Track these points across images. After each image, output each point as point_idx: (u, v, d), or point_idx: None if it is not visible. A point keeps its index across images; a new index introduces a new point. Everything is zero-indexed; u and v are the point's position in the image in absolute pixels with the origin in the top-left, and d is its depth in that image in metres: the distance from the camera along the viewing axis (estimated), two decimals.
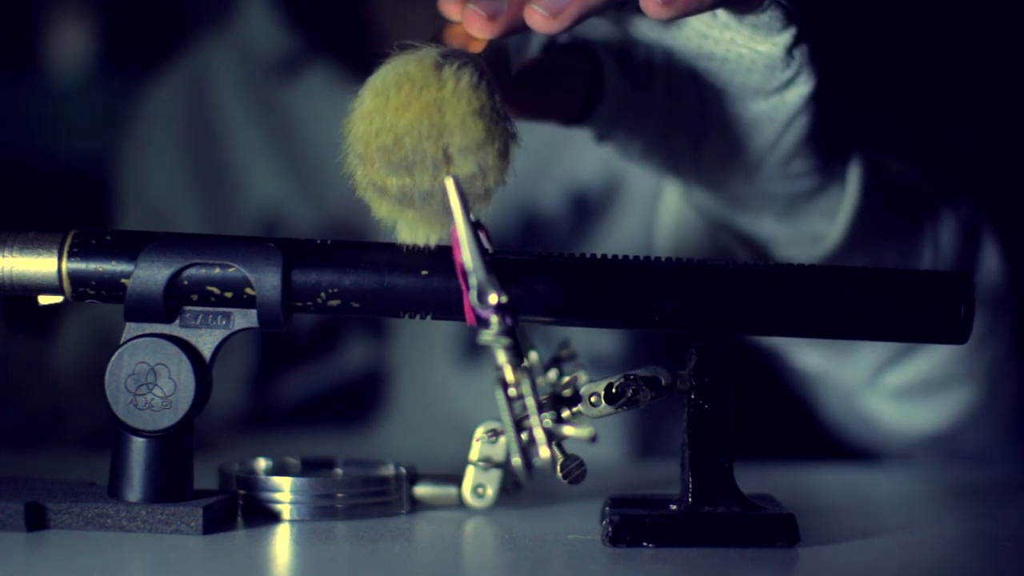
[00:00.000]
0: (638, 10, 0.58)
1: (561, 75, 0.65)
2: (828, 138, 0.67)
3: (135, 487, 0.58)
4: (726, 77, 0.63)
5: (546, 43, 0.66)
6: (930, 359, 0.78)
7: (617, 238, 0.95)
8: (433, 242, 0.57)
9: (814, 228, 0.70)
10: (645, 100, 0.66)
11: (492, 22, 0.58)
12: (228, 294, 0.58)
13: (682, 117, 0.66)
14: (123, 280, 0.58)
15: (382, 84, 0.54)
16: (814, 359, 0.80)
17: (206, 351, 0.58)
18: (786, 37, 0.61)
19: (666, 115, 0.66)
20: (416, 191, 0.54)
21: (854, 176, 0.69)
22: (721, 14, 0.60)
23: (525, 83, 0.64)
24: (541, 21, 0.57)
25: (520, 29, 0.58)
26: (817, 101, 0.64)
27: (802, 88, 0.63)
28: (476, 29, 0.58)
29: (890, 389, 0.81)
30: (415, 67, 0.54)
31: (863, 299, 0.59)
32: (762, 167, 0.66)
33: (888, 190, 0.72)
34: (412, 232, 0.56)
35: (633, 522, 0.57)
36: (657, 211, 0.78)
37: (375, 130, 0.54)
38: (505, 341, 0.52)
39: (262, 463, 0.66)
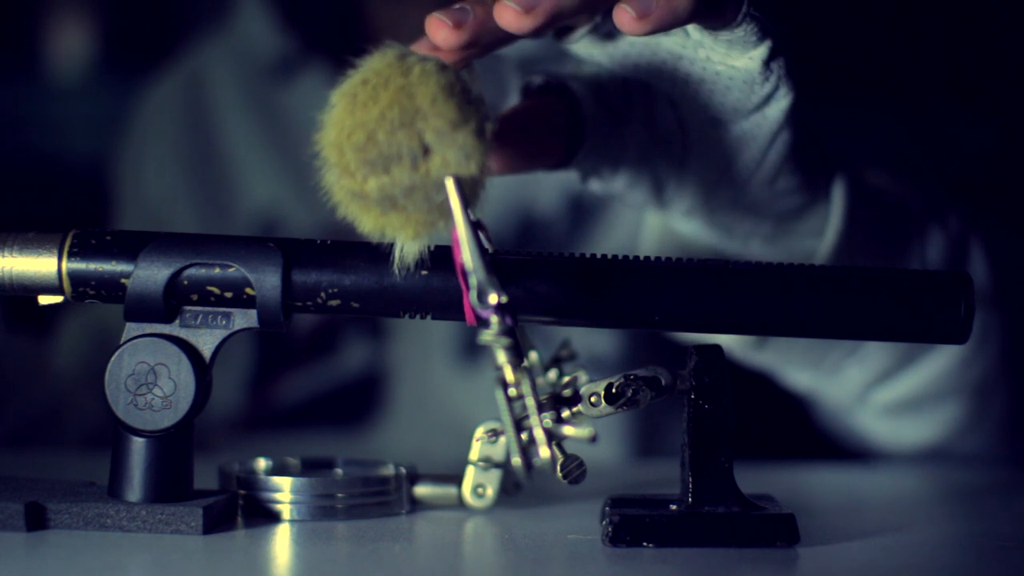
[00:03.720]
0: (610, 34, 0.57)
1: (540, 123, 0.63)
2: (811, 154, 0.67)
3: (135, 487, 0.58)
4: (704, 99, 0.62)
5: (521, 87, 0.65)
6: (919, 376, 0.78)
7: (614, 238, 0.95)
8: (423, 239, 0.55)
9: (802, 247, 0.70)
10: (625, 132, 0.64)
11: (458, 31, 0.56)
12: (228, 294, 0.58)
13: (663, 145, 0.65)
14: (123, 280, 0.58)
15: (348, 87, 0.53)
16: (803, 378, 0.80)
17: (206, 351, 0.58)
18: (762, 50, 0.60)
19: (647, 145, 0.65)
20: (397, 188, 0.53)
21: (838, 192, 0.69)
22: (694, 32, 0.59)
23: (504, 136, 0.61)
24: (512, 17, 0.55)
25: (488, 38, 0.56)
26: (798, 115, 0.63)
27: (782, 102, 0.62)
28: (441, 39, 0.56)
29: (880, 406, 0.81)
30: (378, 62, 0.53)
31: (863, 299, 0.59)
32: (748, 187, 0.66)
33: (872, 206, 0.71)
34: (403, 233, 0.54)
35: (633, 522, 0.57)
36: (639, 241, 0.77)
37: (347, 132, 0.52)
38: (505, 341, 0.51)
39: (262, 463, 0.66)
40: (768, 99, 0.62)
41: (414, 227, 0.54)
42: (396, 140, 0.52)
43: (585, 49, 0.63)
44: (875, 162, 0.78)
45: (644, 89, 0.64)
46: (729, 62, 0.60)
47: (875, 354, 0.76)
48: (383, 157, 0.52)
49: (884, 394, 0.80)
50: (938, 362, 0.77)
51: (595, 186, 0.67)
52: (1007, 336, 0.80)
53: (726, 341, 0.72)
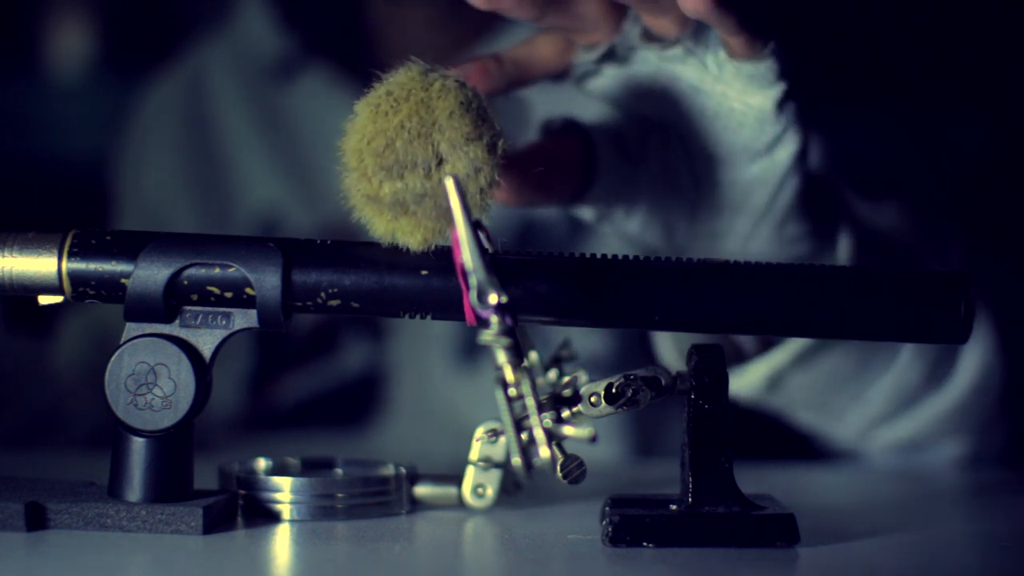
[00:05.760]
0: (627, 58, 0.59)
1: (554, 157, 0.64)
2: (818, 203, 0.67)
3: (135, 487, 0.58)
4: (717, 134, 0.64)
5: (541, 128, 0.66)
6: (920, 419, 0.79)
7: (615, 243, 0.95)
8: (432, 245, 0.57)
9: None
10: (639, 177, 0.66)
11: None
12: (228, 294, 0.58)
13: (674, 191, 0.66)
14: (123, 280, 0.58)
15: (373, 97, 0.56)
16: (807, 418, 0.82)
17: (206, 351, 0.58)
18: (777, 91, 0.62)
19: (660, 190, 0.66)
20: (410, 194, 0.55)
21: (844, 245, 0.70)
22: (713, 66, 0.61)
23: (519, 168, 0.63)
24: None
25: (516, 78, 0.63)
26: (805, 162, 0.65)
27: (789, 147, 0.64)
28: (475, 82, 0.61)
29: (881, 446, 0.83)
30: (403, 76, 0.56)
31: (863, 299, 0.59)
32: (757, 233, 0.67)
33: (877, 257, 0.72)
34: (412, 239, 0.56)
35: (633, 522, 0.57)
36: None
37: (367, 138, 0.55)
38: (505, 341, 0.52)
39: (262, 463, 0.66)
40: (776, 142, 0.63)
41: (423, 233, 0.56)
42: (412, 149, 0.54)
43: (607, 80, 0.64)
44: (875, 160, 0.78)
45: (659, 135, 0.66)
46: (744, 99, 0.62)
47: (877, 397, 0.78)
48: (399, 164, 0.55)
49: (886, 435, 0.81)
50: (938, 406, 0.78)
51: (607, 228, 0.69)
52: (1007, 375, 0.80)
53: (736, 389, 0.73)
